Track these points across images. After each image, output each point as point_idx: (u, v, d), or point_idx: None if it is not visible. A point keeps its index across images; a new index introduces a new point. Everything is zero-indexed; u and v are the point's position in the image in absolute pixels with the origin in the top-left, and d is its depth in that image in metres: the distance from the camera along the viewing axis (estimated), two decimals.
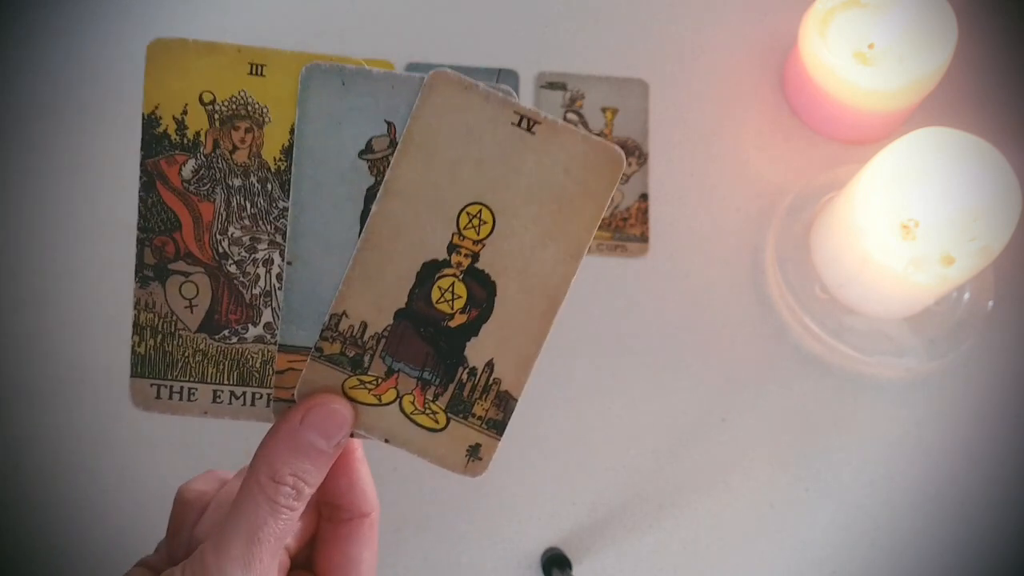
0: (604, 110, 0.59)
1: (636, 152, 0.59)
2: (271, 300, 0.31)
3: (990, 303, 0.55)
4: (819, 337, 0.54)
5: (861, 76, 0.53)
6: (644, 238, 0.57)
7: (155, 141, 0.30)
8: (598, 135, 0.37)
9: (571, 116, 0.59)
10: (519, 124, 0.29)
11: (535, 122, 0.29)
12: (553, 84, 0.60)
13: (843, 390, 0.55)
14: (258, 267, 0.30)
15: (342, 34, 0.60)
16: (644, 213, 0.57)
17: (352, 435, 0.31)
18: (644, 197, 0.58)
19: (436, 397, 0.31)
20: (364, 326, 0.30)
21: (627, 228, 0.57)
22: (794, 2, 0.57)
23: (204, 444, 0.51)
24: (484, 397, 0.31)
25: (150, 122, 0.29)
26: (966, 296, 0.55)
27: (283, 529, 0.29)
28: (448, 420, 0.31)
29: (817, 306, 0.55)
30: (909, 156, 0.49)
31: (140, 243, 0.30)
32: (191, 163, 0.30)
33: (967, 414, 0.55)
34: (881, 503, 0.53)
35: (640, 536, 0.52)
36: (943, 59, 0.53)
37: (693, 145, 0.59)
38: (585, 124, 0.59)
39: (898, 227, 0.49)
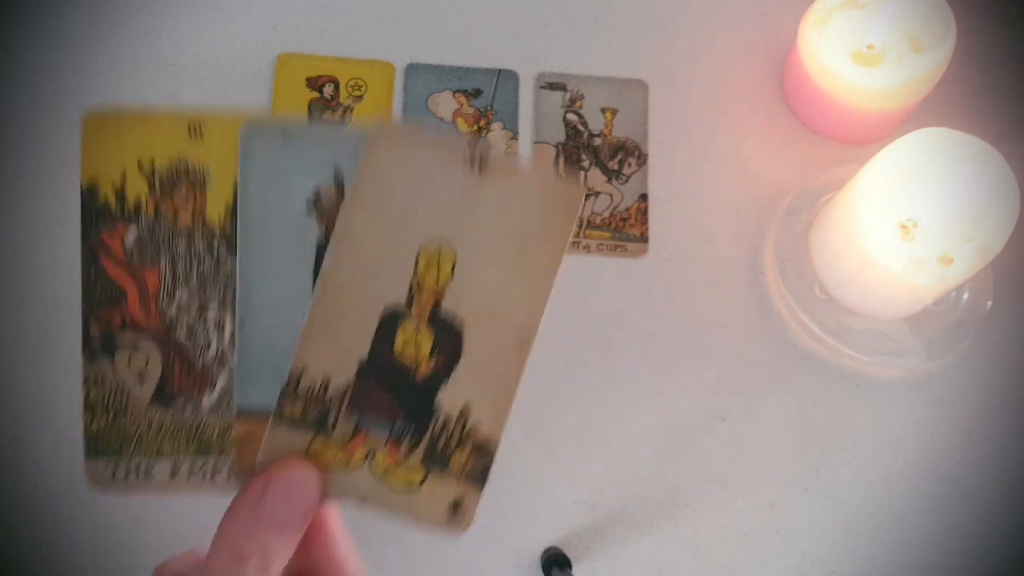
0: (604, 110, 0.59)
1: (636, 152, 0.59)
2: (225, 365, 0.29)
3: (989, 303, 0.55)
4: (819, 337, 0.54)
5: (860, 76, 0.53)
6: (644, 238, 0.57)
7: (95, 215, 0.29)
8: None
9: (571, 116, 0.59)
10: (472, 164, 0.28)
11: (487, 162, 0.28)
12: (553, 84, 0.60)
13: (843, 390, 0.55)
14: (209, 331, 0.29)
15: (343, 34, 0.60)
16: (644, 213, 0.57)
17: (323, 501, 0.29)
18: (644, 197, 0.58)
19: (410, 451, 0.29)
20: (326, 383, 0.29)
21: (627, 228, 0.57)
22: (794, 2, 0.58)
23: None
24: (461, 447, 0.29)
25: (90, 195, 0.29)
26: (965, 296, 0.55)
27: None
28: (425, 475, 0.29)
29: (816, 306, 0.55)
30: (908, 156, 0.49)
31: (85, 316, 0.29)
32: (132, 231, 0.29)
33: (967, 414, 0.55)
34: (881, 503, 0.53)
35: (640, 536, 0.52)
36: (942, 59, 0.53)
37: (693, 145, 0.59)
38: (585, 124, 0.59)
39: (897, 227, 0.49)
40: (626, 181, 0.58)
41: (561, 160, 0.58)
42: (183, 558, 0.32)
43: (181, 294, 0.29)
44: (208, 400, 0.29)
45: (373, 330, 0.29)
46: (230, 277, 0.29)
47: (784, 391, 0.55)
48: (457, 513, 0.30)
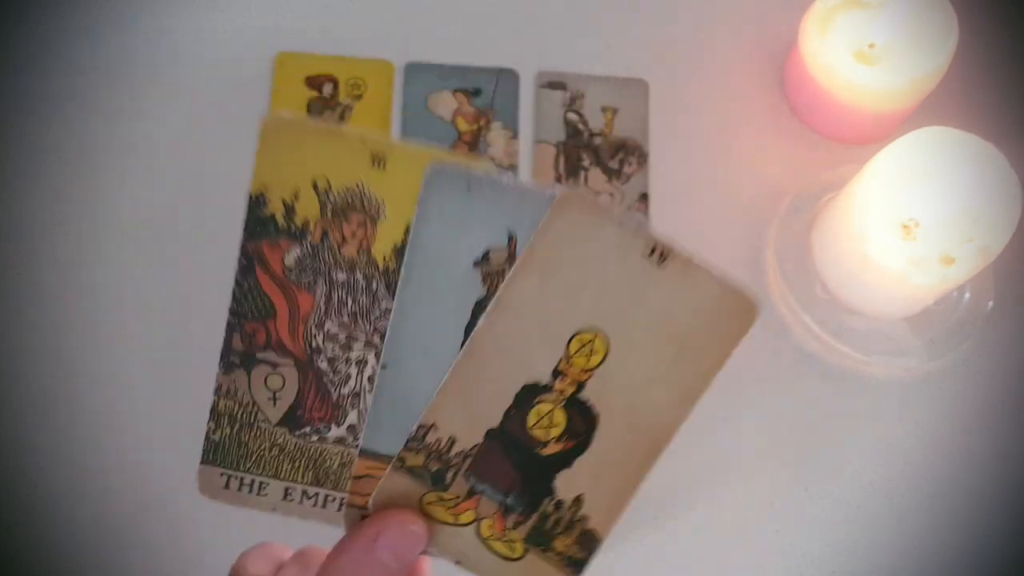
0: (604, 110, 0.59)
1: (636, 152, 0.59)
2: (359, 402, 0.29)
3: (990, 303, 0.55)
4: (819, 337, 0.54)
5: (861, 76, 0.53)
6: None
7: (260, 224, 0.28)
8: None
9: (571, 116, 0.59)
10: (650, 255, 0.27)
11: (668, 255, 0.27)
12: (553, 84, 0.60)
13: (843, 390, 0.55)
14: (350, 366, 0.29)
15: (342, 34, 0.60)
16: (644, 213, 0.57)
17: (423, 552, 0.29)
18: (644, 197, 0.58)
19: (517, 525, 0.29)
20: (452, 441, 0.29)
21: None
22: (794, 2, 0.57)
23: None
24: (568, 532, 0.29)
25: (257, 203, 0.28)
26: (966, 296, 0.55)
27: None
28: (526, 551, 0.29)
29: (817, 306, 0.55)
30: (909, 156, 0.49)
31: (230, 327, 0.29)
32: (295, 251, 0.28)
33: (967, 414, 0.55)
34: (881, 503, 0.53)
35: (640, 536, 0.52)
36: (944, 59, 0.53)
37: (693, 145, 0.59)
38: (585, 123, 0.59)
39: (898, 227, 0.49)
40: (626, 181, 0.58)
41: (562, 163, 0.58)
42: (260, 555, 0.33)
43: (331, 324, 0.29)
44: (335, 433, 0.29)
45: (510, 401, 0.28)
46: (382, 318, 0.29)
47: (784, 391, 0.55)
48: None
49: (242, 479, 0.29)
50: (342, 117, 0.58)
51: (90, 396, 0.52)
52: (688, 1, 0.62)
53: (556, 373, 0.28)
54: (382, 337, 0.29)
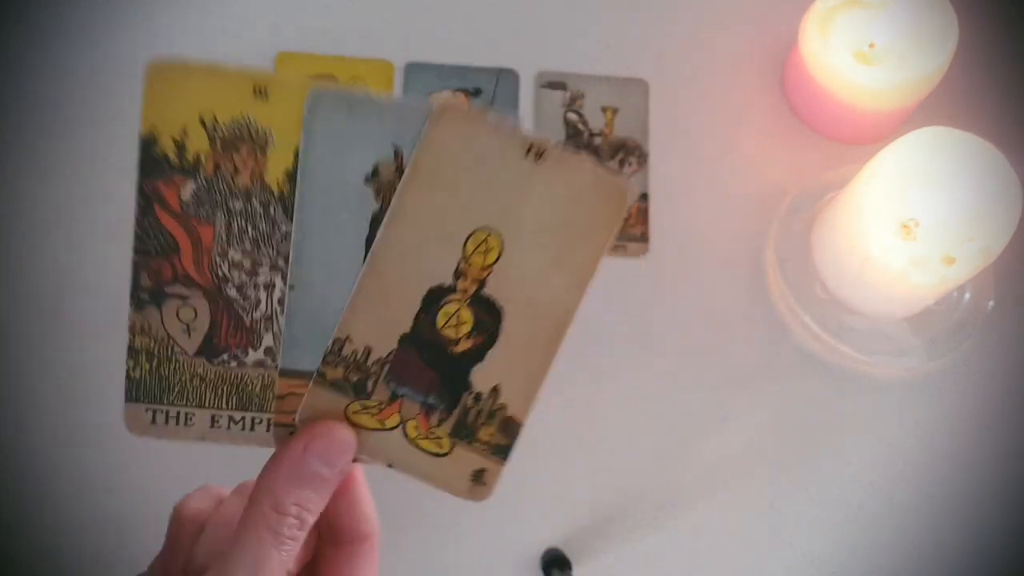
0: (604, 110, 0.59)
1: (636, 152, 0.59)
2: (272, 324, 0.30)
3: (990, 303, 0.55)
4: (819, 337, 0.54)
5: (862, 75, 0.53)
6: (644, 238, 0.57)
7: (153, 163, 0.29)
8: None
9: (571, 116, 0.59)
10: (528, 153, 0.29)
11: (544, 151, 0.29)
12: (553, 84, 0.60)
13: (843, 390, 0.55)
14: (259, 291, 0.30)
15: (342, 34, 0.60)
16: (644, 213, 0.57)
17: (354, 460, 0.31)
18: (644, 197, 0.58)
19: (440, 422, 0.31)
20: (368, 351, 0.30)
21: (627, 228, 0.57)
22: (794, 2, 0.57)
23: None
24: (489, 422, 0.31)
25: (148, 143, 0.29)
26: (966, 296, 0.55)
27: (287, 559, 0.29)
28: (452, 445, 0.31)
29: (817, 306, 0.55)
30: (909, 156, 0.49)
31: (136, 266, 0.30)
32: (190, 185, 0.29)
33: (967, 414, 0.55)
34: (881, 503, 0.53)
35: (640, 536, 0.52)
36: (944, 58, 0.53)
37: (693, 145, 0.59)
38: (585, 123, 0.59)
39: (898, 227, 0.49)
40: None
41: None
42: (201, 495, 0.34)
43: (234, 252, 0.30)
44: (253, 357, 0.30)
45: (418, 305, 0.30)
46: (284, 241, 0.30)
47: (784, 391, 0.55)
48: (479, 483, 0.32)
49: (167, 412, 0.30)
50: None
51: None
52: (688, 1, 0.62)
53: (457, 274, 0.30)
54: (286, 259, 0.30)
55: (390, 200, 0.29)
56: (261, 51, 0.59)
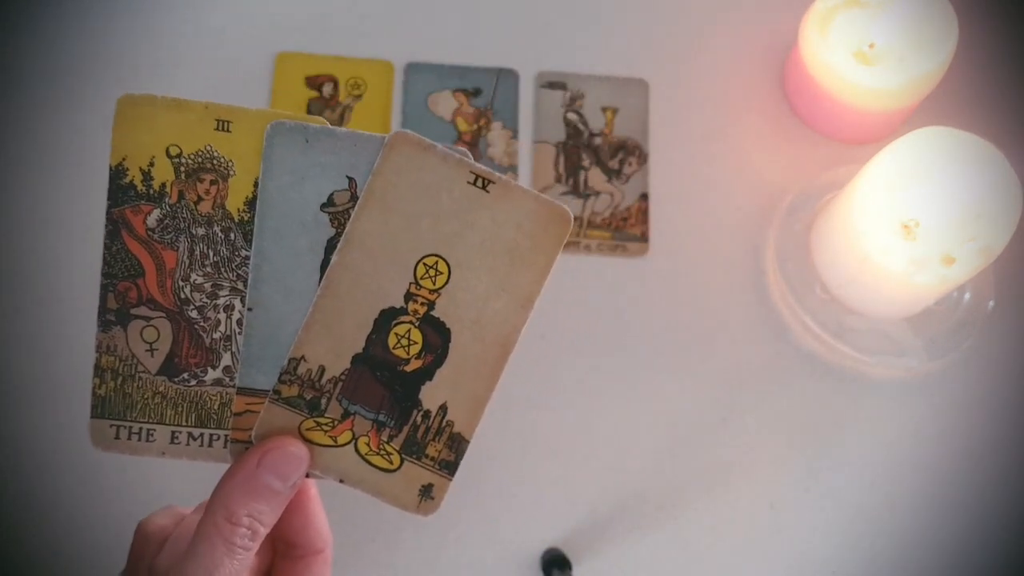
0: (604, 110, 0.59)
1: (636, 151, 0.59)
2: (231, 344, 0.32)
3: (990, 303, 0.55)
4: (819, 337, 0.54)
5: (861, 75, 0.53)
6: (644, 238, 0.57)
7: (121, 191, 0.31)
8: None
9: (571, 116, 0.59)
10: (475, 183, 0.31)
11: (489, 181, 0.31)
12: (553, 84, 0.60)
13: (843, 390, 0.55)
14: (219, 312, 0.32)
15: (342, 34, 0.60)
16: (644, 213, 0.57)
17: (307, 475, 0.32)
18: (644, 197, 0.58)
19: (391, 439, 0.32)
20: (322, 370, 0.32)
21: (627, 228, 0.57)
22: (794, 2, 0.57)
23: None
24: (437, 439, 0.32)
25: (117, 173, 0.31)
26: (966, 296, 0.55)
27: (238, 568, 0.30)
28: (402, 461, 0.32)
29: (817, 306, 0.55)
30: (909, 156, 0.49)
31: (104, 288, 0.31)
32: (156, 212, 0.31)
33: (967, 414, 0.55)
34: (881, 503, 0.53)
35: (640, 536, 0.52)
36: (944, 58, 0.53)
37: (693, 145, 0.59)
38: (585, 123, 0.59)
39: (898, 227, 0.49)
40: (626, 181, 0.58)
41: (562, 163, 0.58)
42: (164, 514, 0.35)
43: (196, 276, 0.32)
44: (212, 375, 0.32)
45: (370, 327, 0.32)
46: (243, 265, 0.31)
47: (784, 391, 0.55)
48: (427, 497, 0.33)
49: (130, 428, 0.32)
50: (342, 117, 0.58)
51: None
52: (688, 1, 0.62)
53: (408, 296, 0.32)
54: (245, 282, 0.31)
55: (345, 226, 0.31)
56: (261, 51, 0.59)
